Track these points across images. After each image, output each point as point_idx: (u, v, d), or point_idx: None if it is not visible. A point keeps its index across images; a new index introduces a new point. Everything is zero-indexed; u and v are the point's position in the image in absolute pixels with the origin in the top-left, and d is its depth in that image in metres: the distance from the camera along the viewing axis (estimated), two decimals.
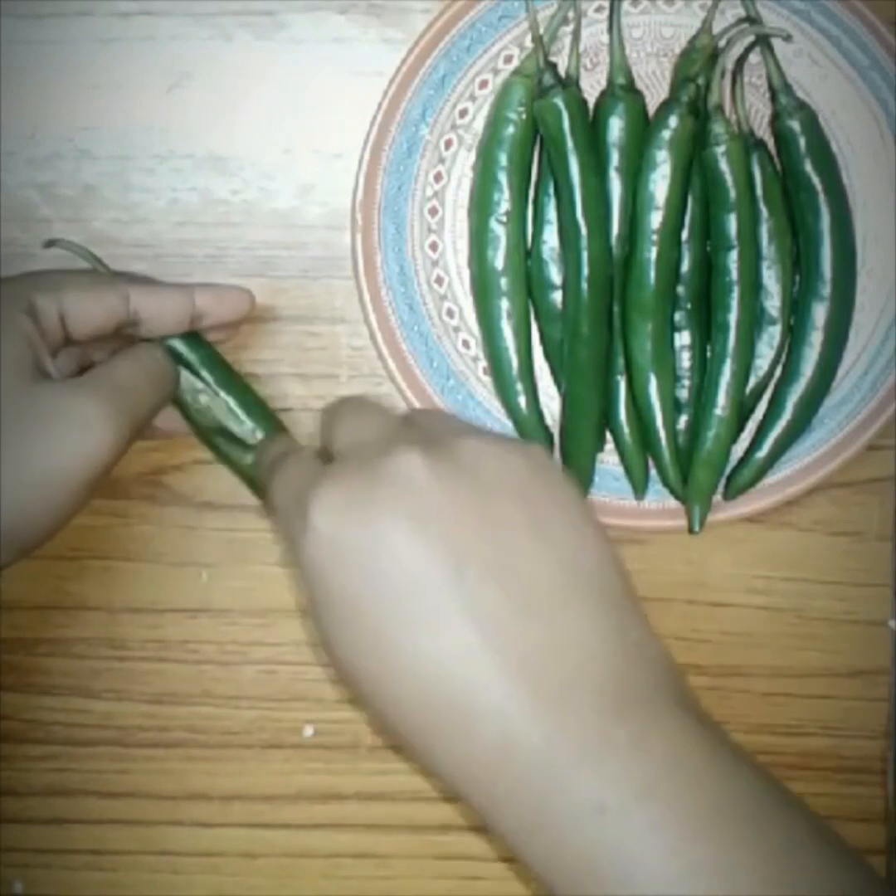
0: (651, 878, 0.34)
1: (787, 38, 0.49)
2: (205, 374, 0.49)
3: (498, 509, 0.39)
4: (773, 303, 0.50)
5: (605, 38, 0.50)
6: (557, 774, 0.35)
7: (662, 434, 0.50)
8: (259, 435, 0.49)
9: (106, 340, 0.48)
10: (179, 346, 0.49)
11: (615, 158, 0.49)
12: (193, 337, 0.49)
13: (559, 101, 0.48)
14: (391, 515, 0.38)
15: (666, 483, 0.51)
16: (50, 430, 0.43)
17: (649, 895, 0.34)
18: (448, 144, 0.51)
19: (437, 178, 0.51)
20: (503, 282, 0.50)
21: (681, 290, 0.50)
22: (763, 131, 0.51)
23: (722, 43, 0.49)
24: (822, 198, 0.49)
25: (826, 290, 0.50)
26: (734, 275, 0.49)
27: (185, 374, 0.49)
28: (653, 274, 0.49)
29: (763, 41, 0.49)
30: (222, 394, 0.49)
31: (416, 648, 0.37)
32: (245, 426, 0.49)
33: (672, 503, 0.51)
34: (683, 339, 0.51)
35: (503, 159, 0.50)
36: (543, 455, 0.42)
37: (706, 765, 0.35)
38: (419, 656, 0.37)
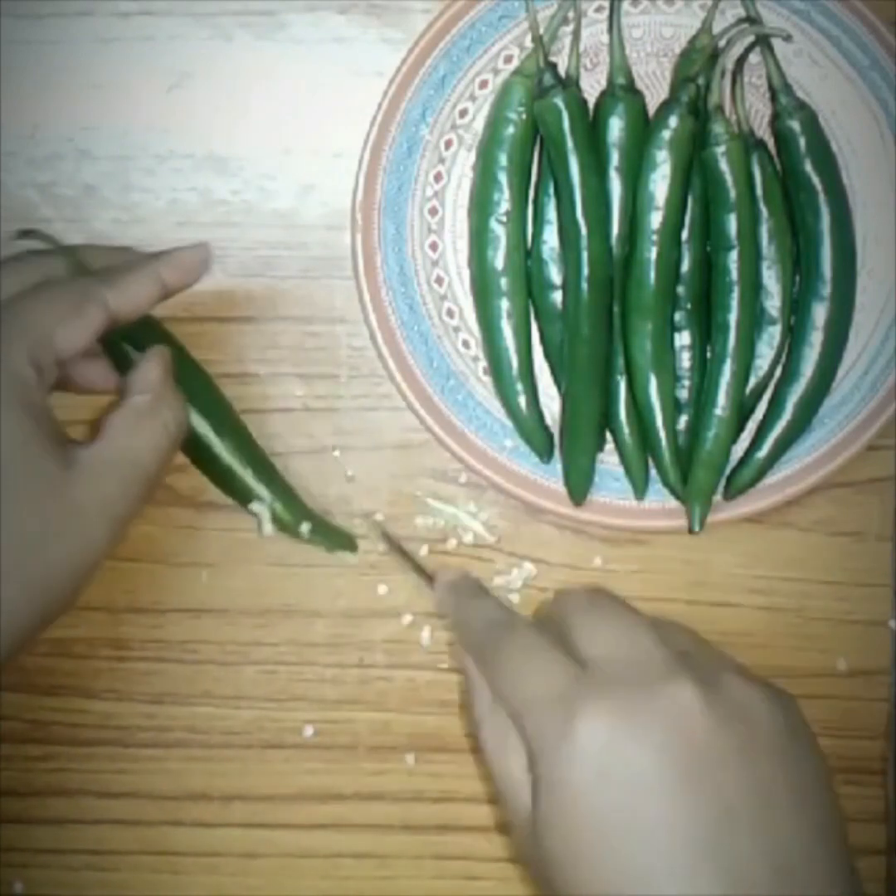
0: None
1: (787, 38, 0.49)
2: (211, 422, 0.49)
3: (764, 764, 0.38)
4: (773, 303, 0.50)
5: (605, 38, 0.50)
6: None
7: (662, 434, 0.50)
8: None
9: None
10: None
11: (615, 158, 0.49)
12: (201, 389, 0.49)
13: (559, 101, 0.48)
14: (663, 750, 0.37)
15: (666, 483, 0.51)
16: (78, 518, 0.43)
17: None
18: (448, 144, 0.51)
19: (437, 178, 0.51)
20: (503, 282, 0.50)
21: (681, 290, 0.50)
22: (763, 131, 0.51)
23: (722, 43, 0.49)
24: (822, 198, 0.49)
25: (826, 290, 0.50)
26: (734, 275, 0.49)
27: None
28: (653, 274, 0.49)
29: (763, 41, 0.49)
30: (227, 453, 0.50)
31: (656, 890, 0.37)
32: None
33: (672, 503, 0.51)
34: (683, 339, 0.51)
35: (503, 159, 0.50)
36: (798, 709, 0.41)
37: None
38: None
